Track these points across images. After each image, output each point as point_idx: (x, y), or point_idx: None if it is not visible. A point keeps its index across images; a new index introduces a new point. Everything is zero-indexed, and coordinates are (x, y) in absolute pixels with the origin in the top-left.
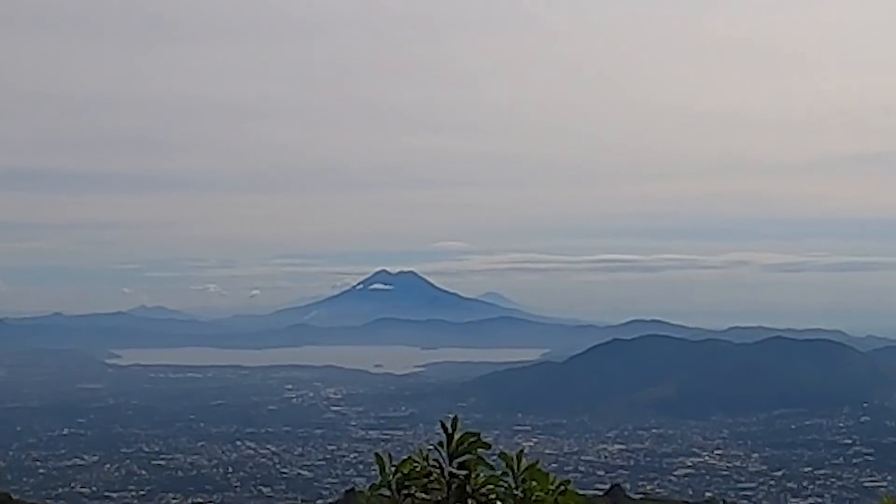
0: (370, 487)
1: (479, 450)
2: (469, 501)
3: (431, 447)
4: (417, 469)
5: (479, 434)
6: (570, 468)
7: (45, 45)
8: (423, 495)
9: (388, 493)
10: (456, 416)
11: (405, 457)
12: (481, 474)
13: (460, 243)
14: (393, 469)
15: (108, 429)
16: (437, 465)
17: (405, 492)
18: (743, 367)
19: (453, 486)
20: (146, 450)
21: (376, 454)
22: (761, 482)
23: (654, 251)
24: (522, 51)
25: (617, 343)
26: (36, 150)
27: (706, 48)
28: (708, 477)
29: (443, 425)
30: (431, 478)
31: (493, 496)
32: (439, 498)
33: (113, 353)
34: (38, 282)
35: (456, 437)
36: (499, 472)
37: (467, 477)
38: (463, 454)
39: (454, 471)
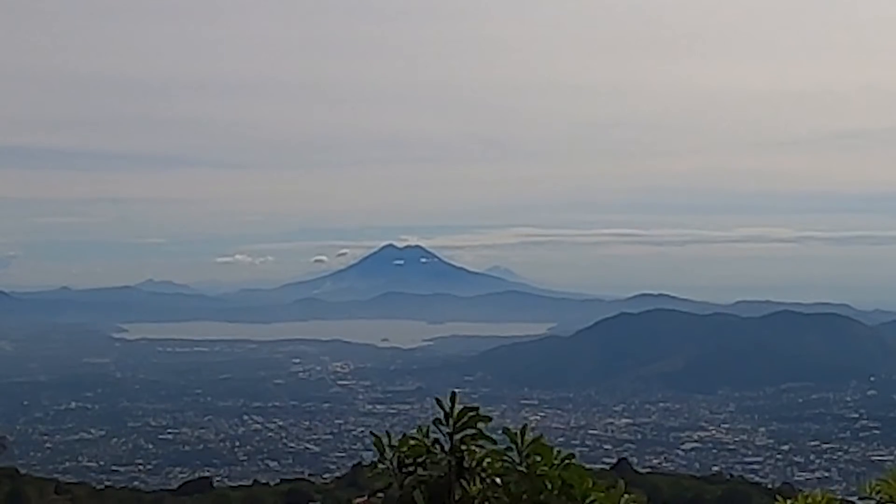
0: (369, 466)
1: (480, 424)
2: (474, 478)
3: (432, 423)
4: (417, 446)
5: (478, 408)
6: (577, 442)
7: (47, 25)
8: (424, 472)
9: (389, 471)
10: (454, 392)
11: (403, 434)
12: (480, 449)
13: (467, 218)
14: (392, 448)
15: (115, 403)
16: (437, 441)
17: (406, 469)
18: (750, 341)
19: (454, 462)
20: (153, 424)
21: (374, 435)
22: (768, 456)
23: (660, 225)
24: (529, 27)
25: (624, 317)
26: (44, 129)
27: (705, 29)
28: (715, 451)
29: (438, 402)
30: (432, 454)
31: (491, 471)
32: (440, 474)
33: (120, 327)
34: (44, 256)
35: (455, 412)
36: (502, 447)
37: (467, 452)
38: (463, 429)
39: (454, 448)
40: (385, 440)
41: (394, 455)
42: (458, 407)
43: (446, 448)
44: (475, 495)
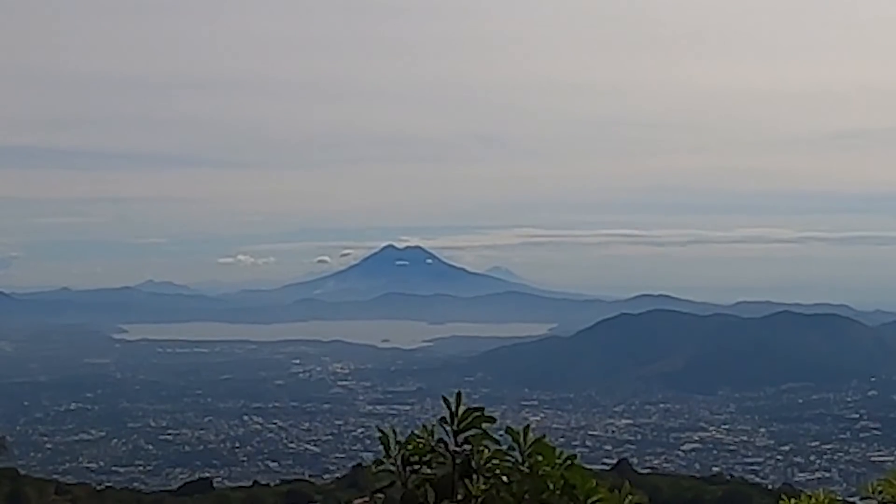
0: (374, 463)
1: (484, 424)
2: (474, 476)
3: (436, 423)
4: (422, 445)
5: (483, 409)
6: (578, 443)
7: (48, 25)
8: (428, 470)
9: (393, 469)
10: (459, 392)
11: (410, 433)
12: (487, 449)
13: (467, 218)
14: (398, 445)
15: (115, 404)
16: (441, 440)
17: (410, 468)
18: (750, 342)
19: (458, 461)
20: (153, 425)
21: (380, 431)
22: (768, 456)
23: (660, 226)
24: (530, 26)
25: (624, 317)
26: (45, 128)
27: (706, 29)
28: (715, 451)
29: (445, 401)
30: (436, 453)
31: (498, 471)
32: (444, 473)
33: (120, 327)
34: (45, 257)
35: (460, 412)
36: (505, 447)
37: (472, 452)
38: (468, 429)
39: (458, 447)
40: (392, 437)
41: (399, 453)
42: (462, 407)
43: (451, 447)
44: (477, 495)
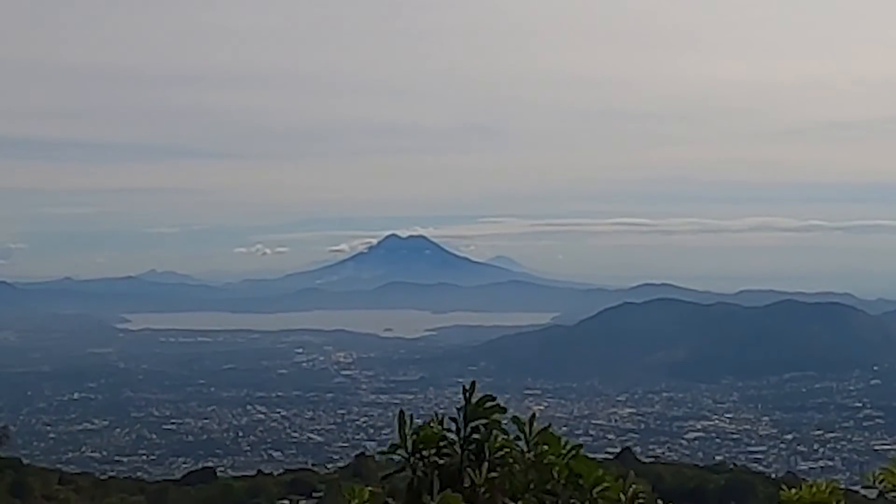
0: (389, 447)
1: (496, 415)
2: (484, 465)
3: (446, 412)
4: (433, 433)
5: (495, 398)
6: (581, 432)
7: (52, 19)
8: (438, 459)
9: (404, 454)
10: (474, 381)
11: (423, 422)
12: (497, 438)
13: (471, 208)
14: (410, 432)
15: (119, 393)
16: (452, 429)
17: (419, 455)
18: (753, 331)
19: (468, 450)
20: (156, 414)
21: (400, 412)
22: (771, 445)
23: (664, 215)
24: (531, 20)
25: (627, 306)
26: (47, 120)
27: (711, 21)
28: (718, 440)
29: (464, 389)
30: (446, 441)
31: (509, 460)
32: (454, 462)
33: (123, 317)
34: (48, 247)
35: (473, 401)
36: (511, 436)
37: (483, 441)
38: (479, 418)
39: (468, 436)
40: (407, 422)
41: (408, 439)
42: (476, 396)
43: (460, 436)
44: (482, 484)
